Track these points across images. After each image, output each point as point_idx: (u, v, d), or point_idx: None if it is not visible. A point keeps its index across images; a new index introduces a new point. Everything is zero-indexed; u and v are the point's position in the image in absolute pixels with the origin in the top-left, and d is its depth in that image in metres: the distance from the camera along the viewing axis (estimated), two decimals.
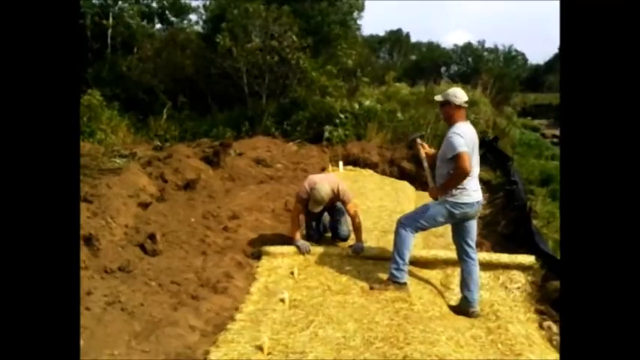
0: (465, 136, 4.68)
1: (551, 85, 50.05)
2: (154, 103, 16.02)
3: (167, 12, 21.09)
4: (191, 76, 17.08)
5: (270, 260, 5.77)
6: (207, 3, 20.15)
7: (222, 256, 5.59)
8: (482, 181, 11.36)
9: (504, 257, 5.82)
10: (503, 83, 27.39)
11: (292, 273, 5.40)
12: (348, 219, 6.11)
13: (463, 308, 4.90)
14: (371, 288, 5.00)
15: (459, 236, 5.01)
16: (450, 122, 4.87)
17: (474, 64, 38.77)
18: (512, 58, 43.94)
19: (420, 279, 5.37)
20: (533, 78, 51.47)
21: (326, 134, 13.14)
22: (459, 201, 4.76)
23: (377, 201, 8.39)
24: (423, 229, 5.14)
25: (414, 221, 5.01)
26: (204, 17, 20.56)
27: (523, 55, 50.06)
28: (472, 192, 4.80)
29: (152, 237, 5.47)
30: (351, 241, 6.15)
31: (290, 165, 10.97)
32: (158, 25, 21.46)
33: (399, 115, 13.75)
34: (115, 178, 6.67)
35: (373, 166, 11.39)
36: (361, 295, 4.88)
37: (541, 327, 4.77)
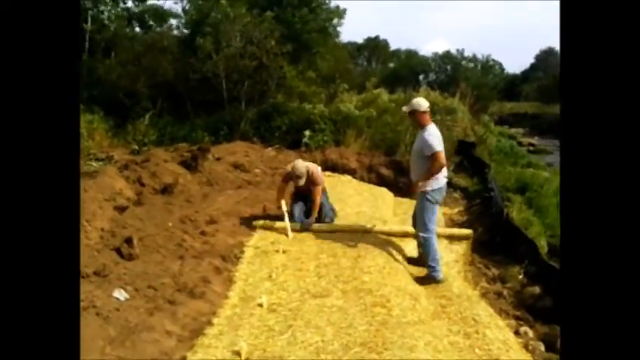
0: (437, 136, 5.74)
1: (527, 94, 50.69)
2: (133, 107, 15.88)
3: (146, 16, 20.95)
4: (170, 81, 16.97)
5: (248, 266, 5.75)
6: (187, 7, 20.06)
7: (199, 261, 5.54)
8: (460, 188, 11.52)
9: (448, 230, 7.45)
10: (481, 92, 27.68)
11: (271, 276, 5.38)
12: (331, 205, 7.33)
13: (428, 277, 5.82)
14: (421, 284, 5.68)
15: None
16: (421, 126, 5.89)
17: (452, 73, 39.02)
18: (489, 67, 44.31)
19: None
20: (509, 87, 51.98)
21: (304, 140, 13.15)
22: (436, 187, 5.78)
23: (355, 207, 8.39)
24: (434, 223, 5.96)
25: (425, 226, 5.87)
26: (183, 21, 20.48)
27: (500, 64, 50.55)
28: (441, 177, 5.83)
29: (129, 241, 5.40)
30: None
31: (268, 170, 10.94)
32: (137, 29, 21.32)
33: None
34: (91, 182, 6.59)
35: (352, 172, 11.39)
36: (339, 298, 4.87)
37: (517, 333, 4.82)
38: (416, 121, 5.98)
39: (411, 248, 6.61)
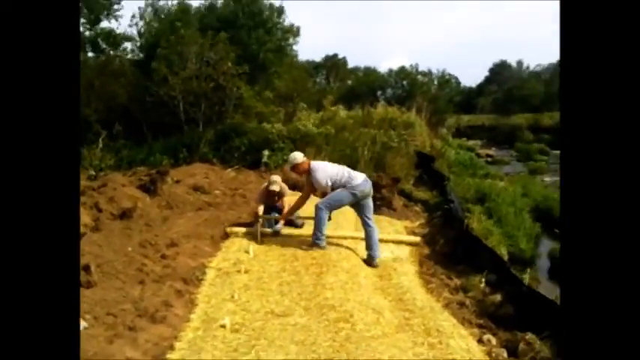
0: (318, 170, 7.01)
1: (483, 107, 51.72)
2: (87, 132, 15.66)
3: (99, 40, 20.74)
4: (125, 105, 16.83)
5: (210, 287, 5.69)
6: (142, 30, 19.95)
7: (160, 285, 5.45)
8: (421, 201, 11.64)
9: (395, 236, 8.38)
10: (438, 105, 28.13)
11: (233, 297, 5.34)
12: (299, 212, 7.89)
13: (369, 261, 6.89)
14: (303, 248, 6.87)
15: (362, 212, 7.06)
16: (306, 172, 7.14)
17: (408, 88, 39.55)
18: (445, 81, 45.11)
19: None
20: (466, 100, 53.04)
21: (264, 159, 13.16)
22: (354, 184, 6.90)
23: None
24: (334, 208, 7.11)
25: (327, 205, 6.98)
26: (138, 44, 20.34)
27: (456, 78, 51.55)
28: (357, 177, 7.01)
29: (86, 268, 5.27)
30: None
31: (228, 191, 10.90)
32: (90, 54, 21.07)
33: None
34: None
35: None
36: (303, 316, 4.86)
37: (480, 341, 4.85)
38: (300, 170, 7.23)
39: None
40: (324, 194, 7.09)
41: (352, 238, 7.64)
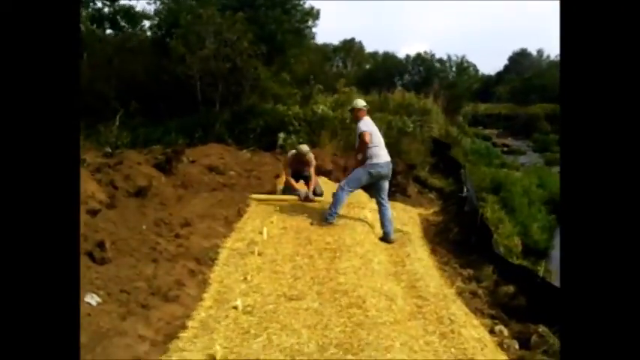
0: (366, 124, 7.35)
1: (501, 95, 51.25)
2: (104, 109, 15.69)
3: (118, 17, 20.73)
4: (143, 83, 16.81)
5: (223, 268, 5.70)
6: (160, 8, 19.90)
7: (173, 264, 5.47)
8: (435, 189, 11.59)
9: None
10: (455, 93, 27.90)
11: (246, 278, 5.34)
12: (318, 181, 9.05)
13: (385, 238, 7.27)
14: (311, 224, 7.28)
15: (377, 192, 7.42)
16: (357, 119, 7.50)
17: (426, 74, 39.24)
18: (464, 69, 44.71)
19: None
20: (484, 89, 52.56)
21: (279, 142, 13.14)
22: (373, 162, 7.21)
23: None
24: (355, 188, 7.59)
25: (347, 184, 7.40)
26: (156, 23, 20.31)
27: (475, 66, 51.02)
28: (381, 156, 7.30)
29: (101, 245, 5.30)
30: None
31: (243, 172, 10.90)
32: (109, 31, 21.07)
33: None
34: None
35: (327, 174, 11.35)
36: (315, 300, 4.85)
37: (492, 331, 4.83)
38: (355, 115, 7.64)
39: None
40: (357, 150, 7.42)
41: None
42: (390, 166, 7.47)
